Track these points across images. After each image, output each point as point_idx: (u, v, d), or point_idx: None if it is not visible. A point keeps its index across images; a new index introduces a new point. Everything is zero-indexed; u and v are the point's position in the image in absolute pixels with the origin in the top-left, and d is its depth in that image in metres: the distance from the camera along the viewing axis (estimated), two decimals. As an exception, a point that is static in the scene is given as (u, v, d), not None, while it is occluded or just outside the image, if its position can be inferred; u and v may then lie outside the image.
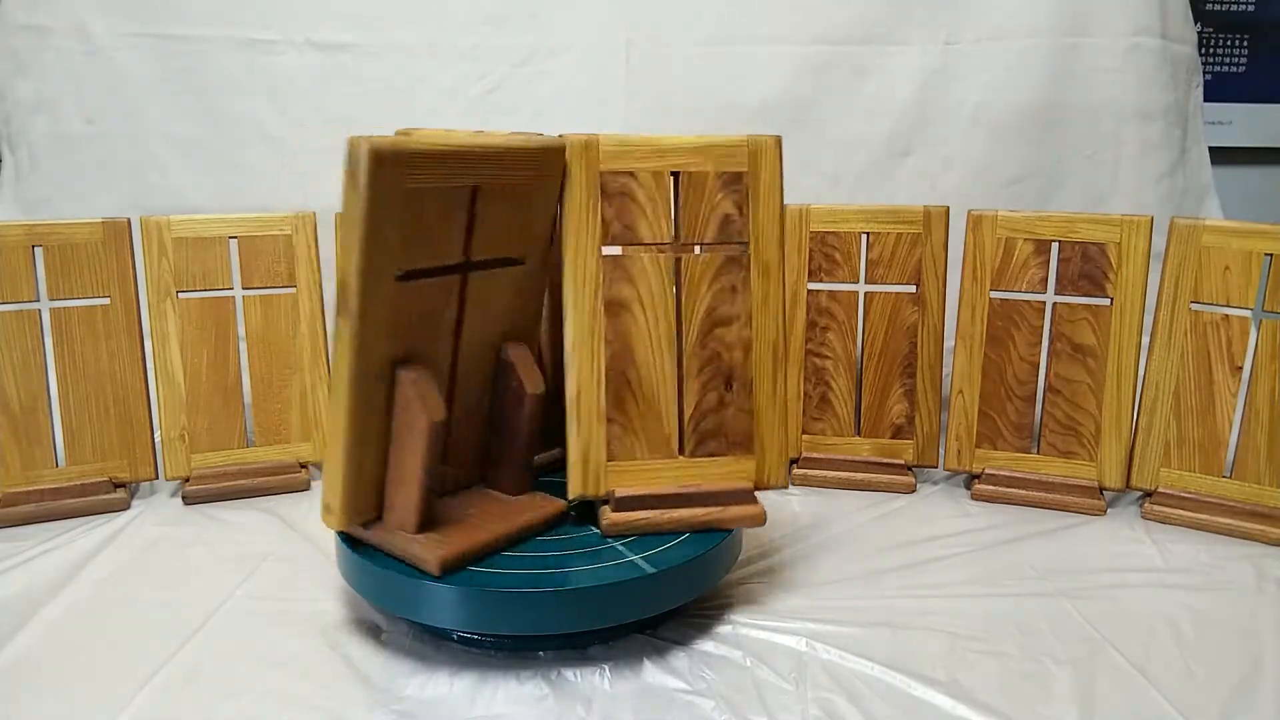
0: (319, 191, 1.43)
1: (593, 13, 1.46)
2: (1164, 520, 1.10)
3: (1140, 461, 1.13)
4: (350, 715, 0.75)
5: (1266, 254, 1.06)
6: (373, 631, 0.86)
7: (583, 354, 0.87)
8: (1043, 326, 1.14)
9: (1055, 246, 1.12)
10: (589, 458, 0.87)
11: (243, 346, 1.17)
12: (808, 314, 1.20)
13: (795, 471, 1.21)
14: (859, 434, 1.22)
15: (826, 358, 1.20)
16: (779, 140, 0.90)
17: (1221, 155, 1.69)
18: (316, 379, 1.19)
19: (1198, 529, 1.08)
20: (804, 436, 1.22)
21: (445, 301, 0.83)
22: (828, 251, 1.19)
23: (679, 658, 0.82)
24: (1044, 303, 1.14)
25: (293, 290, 1.17)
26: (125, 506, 1.11)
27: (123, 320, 1.11)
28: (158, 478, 1.15)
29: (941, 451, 1.20)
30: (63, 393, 1.09)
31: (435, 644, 0.84)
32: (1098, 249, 1.11)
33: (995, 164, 1.48)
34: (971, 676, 0.80)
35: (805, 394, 1.21)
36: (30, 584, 0.94)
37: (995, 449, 1.17)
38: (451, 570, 0.79)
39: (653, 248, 0.89)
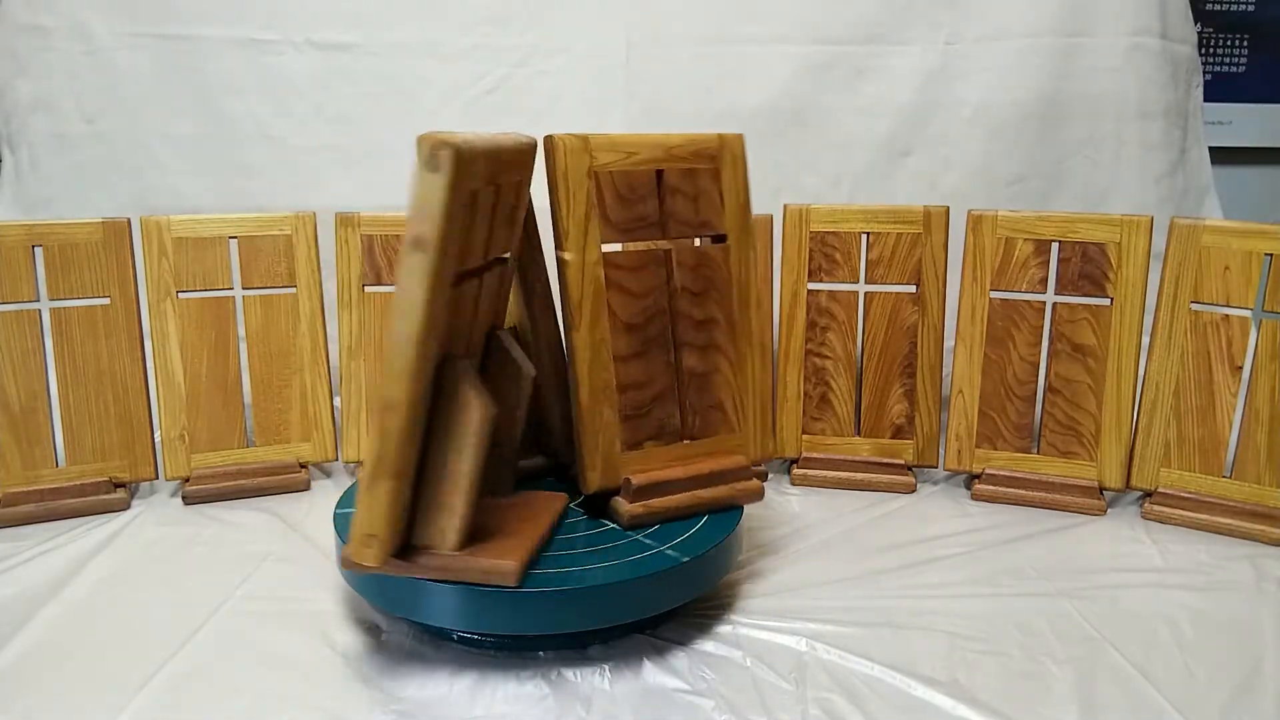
0: (319, 191, 1.44)
1: (593, 13, 1.46)
2: (1164, 520, 1.10)
3: (1140, 461, 1.13)
4: (350, 715, 0.75)
5: (1266, 254, 1.06)
6: (373, 631, 0.86)
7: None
8: (1043, 326, 1.14)
9: (1055, 246, 1.12)
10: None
11: (243, 346, 1.17)
12: (808, 314, 1.20)
13: (795, 471, 1.21)
14: (859, 434, 1.22)
15: (826, 358, 1.20)
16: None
17: (1221, 155, 1.69)
18: (316, 379, 1.19)
19: (1198, 529, 1.08)
20: (804, 436, 1.22)
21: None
22: (828, 251, 1.18)
23: (679, 658, 0.82)
24: (1044, 303, 1.14)
25: (293, 290, 1.17)
26: (125, 506, 1.11)
27: (123, 320, 1.11)
28: (158, 478, 1.15)
29: (941, 451, 1.20)
30: (63, 393, 1.09)
31: (435, 644, 0.84)
32: (1098, 249, 1.11)
33: (995, 164, 1.48)
34: (971, 676, 0.80)
35: (805, 394, 1.21)
36: (30, 584, 0.94)
37: (995, 449, 1.17)
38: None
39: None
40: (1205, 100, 1.60)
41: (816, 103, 1.48)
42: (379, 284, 1.18)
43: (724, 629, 0.86)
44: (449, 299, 0.74)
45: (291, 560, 0.99)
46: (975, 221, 1.14)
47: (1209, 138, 1.60)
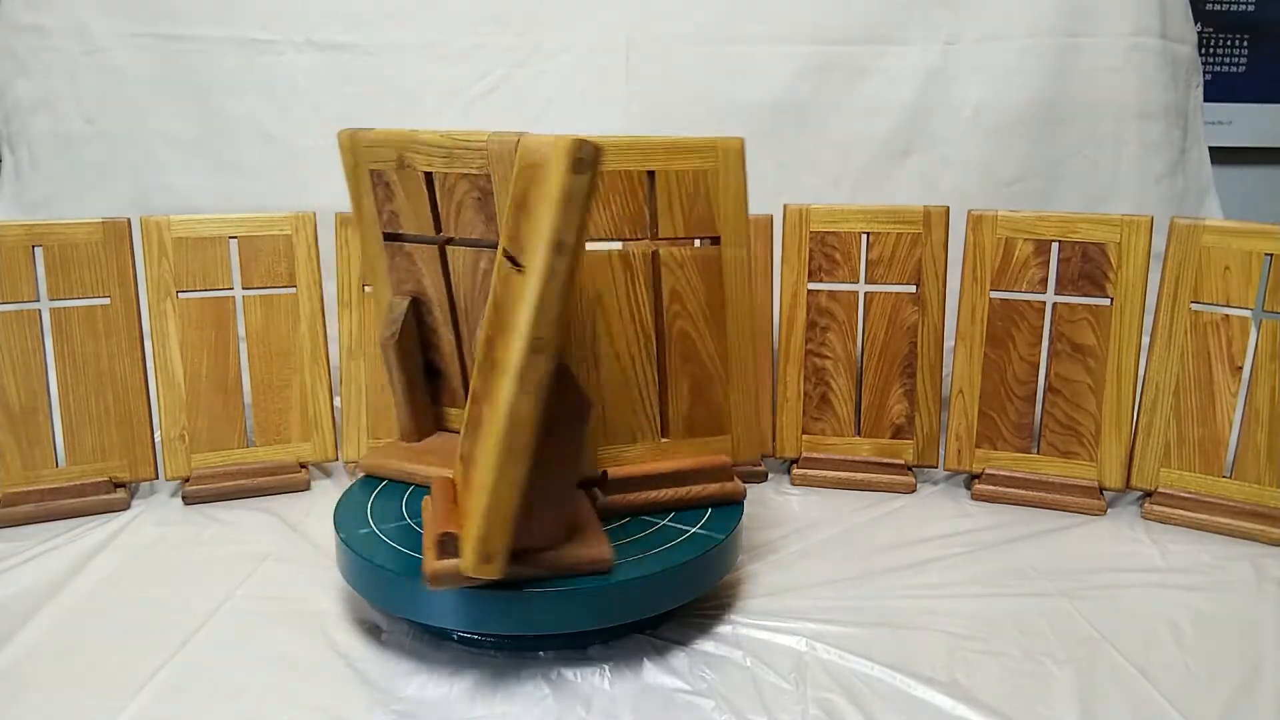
0: (319, 191, 1.43)
1: (593, 12, 1.46)
2: (1164, 520, 1.10)
3: (1140, 461, 1.13)
4: (350, 715, 0.75)
5: (1266, 254, 1.06)
6: (373, 631, 0.86)
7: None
8: (1043, 326, 1.14)
9: (1055, 246, 1.12)
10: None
11: (243, 346, 1.17)
12: (808, 314, 1.20)
13: (795, 471, 1.21)
14: (859, 434, 1.22)
15: (826, 358, 1.20)
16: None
17: (1221, 155, 1.69)
18: (316, 379, 1.19)
19: (1198, 529, 1.08)
20: (804, 436, 1.22)
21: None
22: (828, 251, 1.18)
23: (679, 658, 0.82)
24: (1044, 303, 1.14)
25: (293, 290, 1.17)
26: (125, 506, 1.11)
27: (123, 320, 1.11)
28: (158, 478, 1.15)
29: (941, 451, 1.20)
30: (63, 393, 1.09)
31: (435, 644, 0.84)
32: (1098, 249, 1.11)
33: (995, 164, 1.48)
34: (971, 676, 0.80)
35: (805, 394, 1.21)
36: (30, 584, 0.94)
37: (995, 449, 1.17)
38: None
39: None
40: (1205, 100, 1.60)
41: (816, 103, 1.48)
42: (379, 284, 1.18)
43: (724, 629, 0.86)
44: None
45: (291, 560, 0.99)
46: (975, 221, 1.14)
47: (1209, 138, 1.60)
